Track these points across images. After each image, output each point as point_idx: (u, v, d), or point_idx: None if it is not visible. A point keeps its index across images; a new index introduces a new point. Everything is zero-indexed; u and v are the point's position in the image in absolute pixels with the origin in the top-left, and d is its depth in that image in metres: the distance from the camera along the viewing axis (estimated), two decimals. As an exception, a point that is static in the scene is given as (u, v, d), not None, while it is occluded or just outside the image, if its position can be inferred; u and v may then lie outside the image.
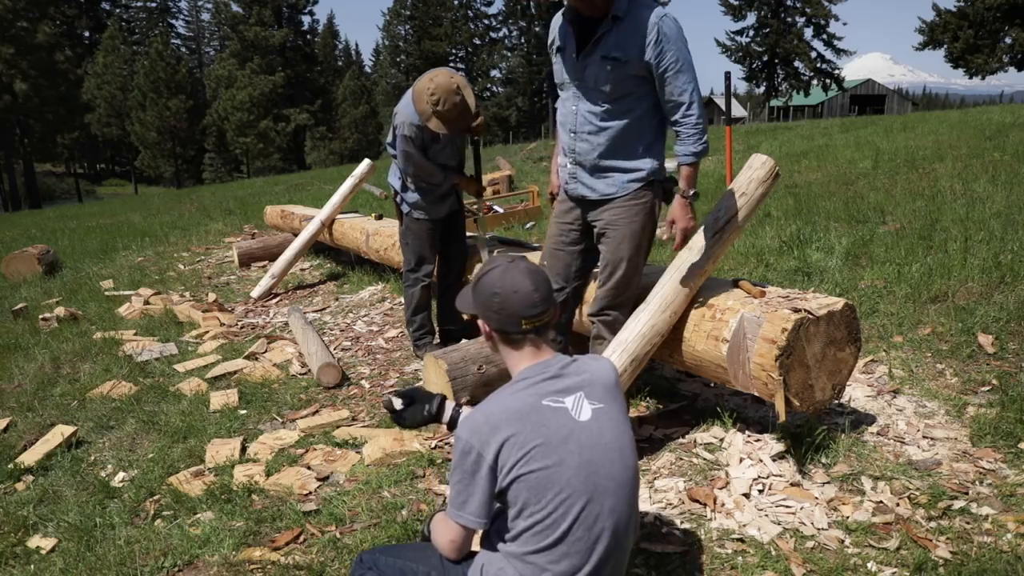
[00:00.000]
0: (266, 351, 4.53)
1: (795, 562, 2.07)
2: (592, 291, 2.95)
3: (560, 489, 1.52)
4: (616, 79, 2.54)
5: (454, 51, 51.51)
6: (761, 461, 2.57)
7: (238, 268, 7.20)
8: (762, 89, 45.06)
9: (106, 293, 6.39)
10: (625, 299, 2.80)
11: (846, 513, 2.28)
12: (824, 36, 41.69)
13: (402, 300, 5.53)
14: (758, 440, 2.70)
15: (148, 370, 4.26)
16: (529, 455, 1.52)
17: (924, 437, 2.70)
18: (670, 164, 2.87)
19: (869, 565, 2.04)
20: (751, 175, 2.74)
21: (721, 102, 34.39)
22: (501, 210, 8.09)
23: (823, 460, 2.56)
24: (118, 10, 56.61)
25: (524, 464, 1.52)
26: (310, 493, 2.73)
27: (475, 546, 1.67)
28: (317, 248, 7.21)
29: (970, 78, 33.55)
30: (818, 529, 2.22)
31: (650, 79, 2.55)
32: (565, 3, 2.61)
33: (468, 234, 4.45)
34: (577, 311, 3.13)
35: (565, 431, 1.56)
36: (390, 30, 53.32)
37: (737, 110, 51.28)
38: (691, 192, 2.60)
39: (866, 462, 2.55)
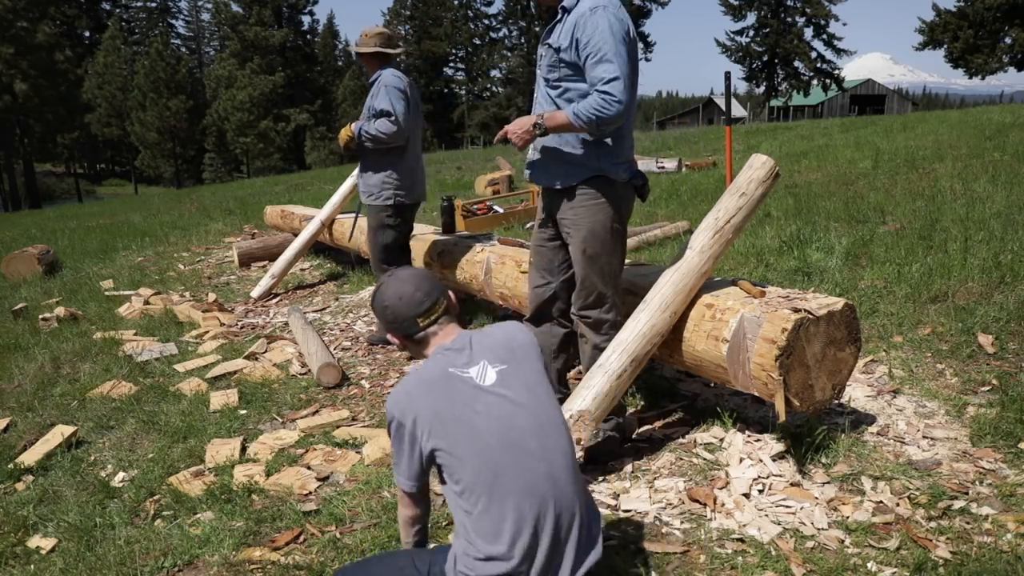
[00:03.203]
0: (266, 351, 4.53)
1: (795, 562, 2.07)
2: None
3: (477, 453, 1.64)
4: (558, 67, 2.63)
5: (454, 51, 51.53)
6: (761, 461, 2.57)
7: (238, 268, 7.20)
8: (762, 89, 45.07)
9: (106, 293, 6.39)
10: (599, 299, 2.76)
11: (846, 513, 2.28)
12: (824, 36, 41.71)
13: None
14: (758, 440, 2.70)
15: (148, 370, 4.26)
16: (443, 423, 1.65)
17: (924, 437, 2.70)
18: (643, 165, 2.88)
19: (869, 565, 2.04)
20: (751, 175, 2.74)
21: (721, 102, 34.41)
22: (501, 210, 8.09)
23: (823, 460, 2.56)
24: (118, 10, 56.63)
25: (440, 432, 1.65)
26: (310, 493, 2.73)
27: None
28: (317, 248, 7.21)
29: (970, 78, 33.56)
30: (818, 529, 2.22)
31: (582, 67, 2.57)
32: None
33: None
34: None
35: (471, 398, 1.68)
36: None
37: (737, 110, 51.32)
38: (542, 124, 2.60)
39: (866, 462, 2.55)
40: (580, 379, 2.71)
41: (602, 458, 2.75)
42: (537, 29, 47.76)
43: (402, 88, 3.98)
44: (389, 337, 1.90)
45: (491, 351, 1.77)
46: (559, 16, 2.64)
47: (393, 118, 3.95)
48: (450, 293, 1.90)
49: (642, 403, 3.25)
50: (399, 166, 4.13)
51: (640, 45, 44.37)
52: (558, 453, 1.70)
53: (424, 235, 4.96)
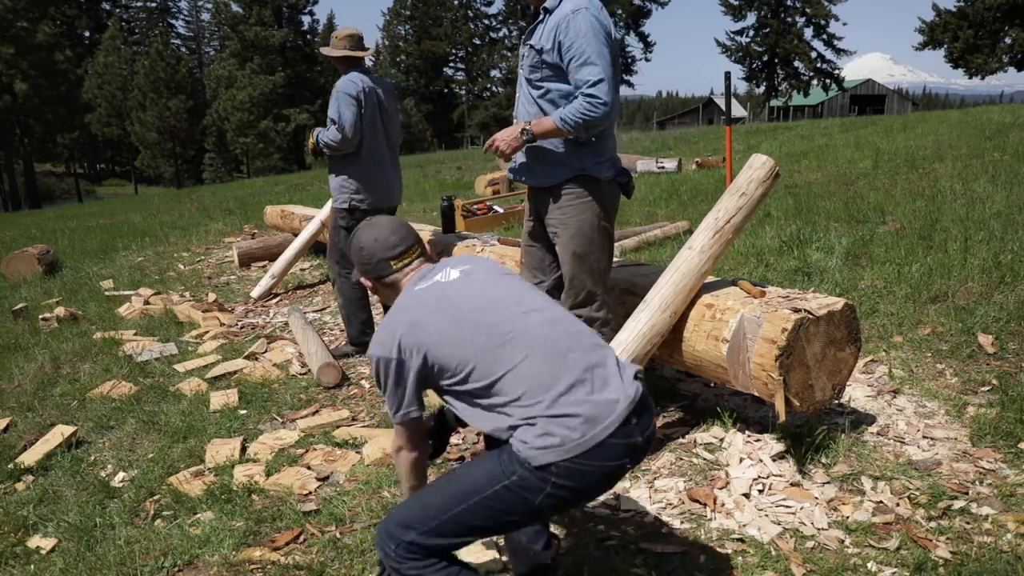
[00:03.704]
0: (266, 351, 4.53)
1: (795, 562, 2.07)
2: None
3: (459, 334, 1.64)
4: (538, 67, 2.65)
5: (454, 51, 51.49)
6: (761, 461, 2.57)
7: (238, 268, 7.20)
8: (762, 89, 45.07)
9: (106, 293, 6.39)
10: (588, 298, 2.76)
11: (846, 513, 2.28)
12: (824, 36, 41.70)
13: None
14: (758, 440, 2.70)
15: (148, 370, 4.26)
16: (423, 328, 1.66)
17: (924, 437, 2.70)
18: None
19: (869, 565, 2.04)
20: (751, 175, 2.74)
21: (721, 102, 34.41)
22: (501, 210, 8.09)
23: (823, 460, 2.56)
24: (118, 10, 56.61)
25: (422, 336, 1.66)
26: (310, 493, 2.73)
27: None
28: (317, 248, 7.21)
29: (970, 78, 33.56)
30: (818, 529, 2.22)
31: (564, 69, 2.58)
32: None
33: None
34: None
35: (440, 294, 1.72)
36: (390, 30, 53.27)
37: (737, 110, 51.32)
38: (530, 131, 2.61)
39: (866, 462, 2.55)
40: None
41: None
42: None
43: (353, 94, 3.93)
44: (362, 280, 1.93)
45: (453, 262, 1.83)
46: (541, 17, 2.66)
47: (338, 126, 3.94)
48: (426, 243, 1.88)
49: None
50: (353, 171, 4.09)
51: (640, 45, 44.51)
52: (544, 306, 1.72)
53: (421, 232, 4.96)
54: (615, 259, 3.54)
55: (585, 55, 2.47)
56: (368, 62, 4.28)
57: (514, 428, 1.57)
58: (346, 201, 4.15)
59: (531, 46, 2.67)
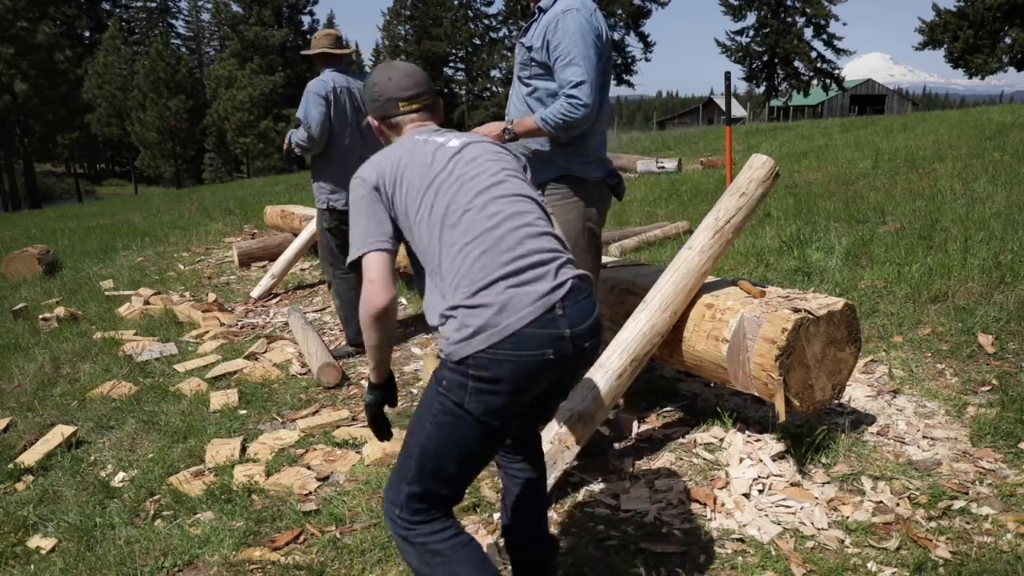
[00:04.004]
0: (266, 351, 4.53)
1: (795, 562, 2.07)
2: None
3: (426, 198, 1.66)
4: (528, 64, 2.66)
5: (454, 51, 51.49)
6: (761, 461, 2.57)
7: (238, 268, 7.20)
8: (762, 89, 45.05)
9: (106, 293, 6.39)
10: None
11: (846, 513, 2.28)
12: (824, 36, 41.69)
13: (402, 300, 5.54)
14: (758, 440, 2.70)
15: (148, 370, 4.26)
16: (405, 172, 1.69)
17: (924, 437, 2.70)
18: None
19: (869, 565, 2.04)
20: (751, 175, 2.74)
21: (721, 102, 34.41)
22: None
23: (823, 460, 2.56)
24: (118, 10, 56.61)
25: (401, 177, 1.69)
26: (310, 493, 2.73)
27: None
28: (317, 248, 7.21)
29: (970, 78, 33.57)
30: (818, 529, 2.22)
31: (552, 69, 2.59)
32: None
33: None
34: None
35: (432, 152, 1.72)
36: (390, 30, 53.27)
37: (737, 110, 51.32)
38: (511, 129, 2.62)
39: (866, 462, 2.55)
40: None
41: (593, 453, 2.77)
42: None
43: (323, 94, 3.93)
44: (369, 119, 1.93)
45: (458, 134, 1.82)
46: (536, 15, 2.67)
47: (304, 125, 3.94)
48: (440, 100, 1.94)
49: (642, 403, 3.25)
50: (328, 171, 4.10)
51: (640, 45, 44.49)
52: (514, 200, 1.69)
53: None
54: (615, 259, 3.54)
55: (570, 55, 2.47)
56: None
57: (443, 319, 1.58)
58: (324, 202, 4.18)
59: (522, 43, 2.69)
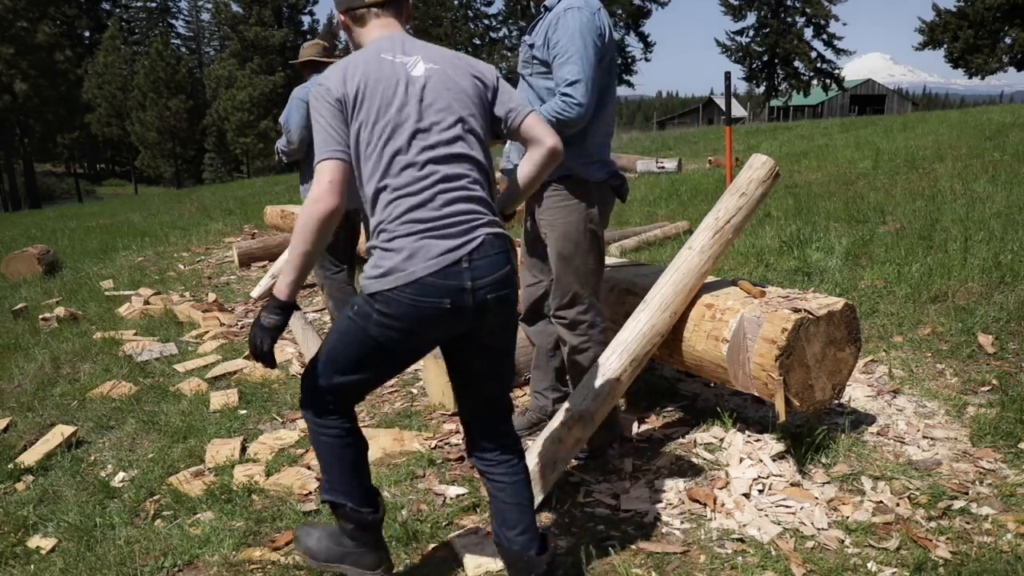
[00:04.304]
0: (266, 351, 4.52)
1: (795, 562, 2.07)
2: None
3: (393, 134, 1.73)
4: (530, 62, 2.66)
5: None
6: (761, 461, 2.57)
7: (238, 268, 7.20)
8: (762, 89, 45.07)
9: (106, 293, 6.40)
10: (573, 299, 2.73)
11: (846, 513, 2.28)
12: (824, 36, 41.71)
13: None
14: (758, 440, 2.70)
15: (148, 370, 4.26)
16: (367, 87, 1.73)
17: (924, 437, 2.70)
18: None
19: (869, 565, 2.04)
20: (751, 175, 2.74)
21: (721, 102, 34.42)
22: (501, 210, 8.10)
23: (823, 460, 2.56)
24: (118, 10, 56.60)
25: (363, 95, 1.73)
26: (310, 493, 2.73)
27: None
28: (317, 248, 7.20)
29: (970, 78, 33.58)
30: (818, 529, 2.22)
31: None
32: None
33: None
34: None
35: (397, 77, 1.76)
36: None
37: (737, 110, 51.33)
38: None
39: (866, 462, 2.55)
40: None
41: (593, 453, 2.77)
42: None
43: (305, 100, 3.97)
44: (339, 15, 1.94)
45: (427, 52, 1.84)
46: (541, 14, 2.66)
47: (285, 130, 4.03)
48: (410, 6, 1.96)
49: (642, 403, 3.25)
50: (311, 175, 4.14)
51: (640, 45, 44.50)
52: (454, 153, 1.77)
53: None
54: (615, 260, 3.54)
55: (568, 53, 2.46)
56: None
57: (370, 250, 1.75)
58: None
59: (525, 41, 2.69)
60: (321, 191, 1.67)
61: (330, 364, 1.82)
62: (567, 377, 2.99)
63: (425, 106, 1.76)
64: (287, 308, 1.77)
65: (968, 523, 2.18)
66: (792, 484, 2.45)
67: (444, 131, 1.76)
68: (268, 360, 1.80)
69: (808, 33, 41.84)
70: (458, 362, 1.92)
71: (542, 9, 2.65)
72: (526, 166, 1.93)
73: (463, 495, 2.60)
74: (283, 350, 4.46)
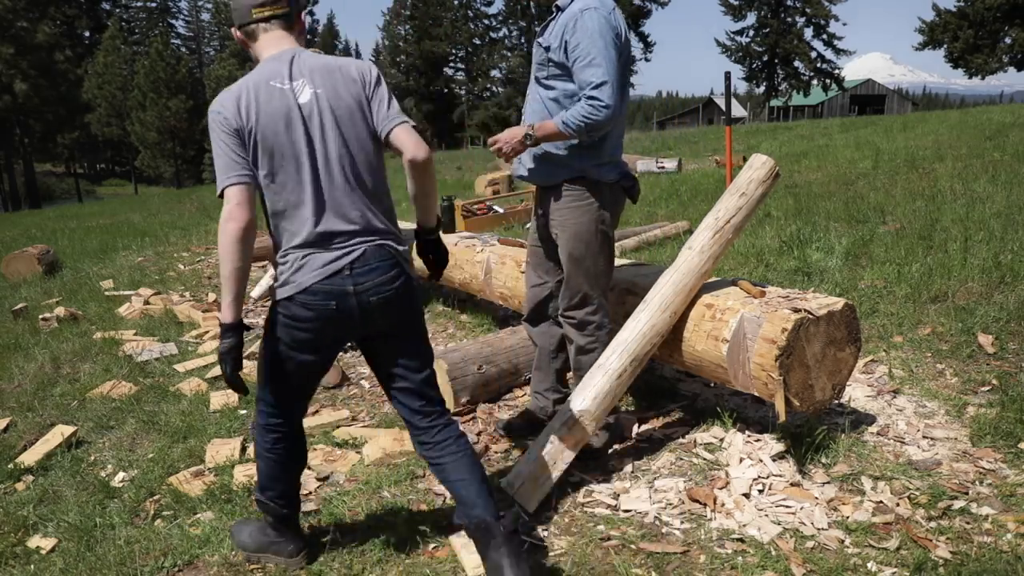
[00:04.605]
0: (266, 351, 4.53)
1: (795, 562, 2.07)
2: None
3: (283, 154, 1.89)
4: (545, 64, 2.63)
5: (454, 51, 51.50)
6: (761, 461, 2.57)
7: (238, 268, 7.20)
8: (762, 89, 45.07)
9: (106, 293, 6.39)
10: (583, 300, 2.74)
11: (846, 513, 2.28)
12: (824, 36, 41.72)
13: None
14: (758, 440, 2.70)
15: (148, 370, 4.26)
16: (259, 120, 1.87)
17: (924, 437, 2.70)
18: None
19: (869, 565, 2.04)
20: (751, 175, 2.74)
21: (721, 102, 34.42)
22: (501, 210, 8.09)
23: (823, 460, 2.56)
24: (118, 10, 56.57)
25: (256, 129, 1.88)
26: (310, 493, 2.73)
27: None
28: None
29: (970, 78, 33.58)
30: (818, 529, 2.22)
31: (570, 69, 2.56)
32: None
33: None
34: None
35: (287, 106, 1.90)
36: (390, 30, 53.28)
37: (737, 110, 51.32)
38: (533, 134, 2.56)
39: (866, 462, 2.55)
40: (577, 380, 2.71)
41: (594, 453, 2.77)
42: (537, 29, 47.73)
43: None
44: (234, 32, 2.06)
45: (312, 72, 1.94)
46: (553, 14, 2.64)
47: None
48: (299, 14, 2.06)
49: (642, 403, 3.25)
50: None
51: (640, 45, 44.50)
52: (354, 140, 1.94)
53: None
54: (615, 260, 3.53)
55: (590, 55, 2.43)
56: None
57: (281, 258, 1.97)
58: None
59: (539, 43, 2.65)
60: (231, 211, 1.85)
61: (263, 383, 2.10)
62: (568, 378, 2.99)
63: (314, 134, 1.92)
64: (234, 328, 1.96)
65: (968, 523, 2.18)
66: (792, 484, 2.45)
67: (332, 156, 1.93)
68: (234, 386, 1.98)
69: (808, 33, 41.86)
70: (378, 362, 2.14)
71: (555, 9, 2.63)
72: (407, 182, 2.03)
73: (463, 495, 2.60)
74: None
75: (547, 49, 2.59)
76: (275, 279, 1.99)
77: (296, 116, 1.89)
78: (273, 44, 1.99)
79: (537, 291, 2.95)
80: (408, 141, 1.96)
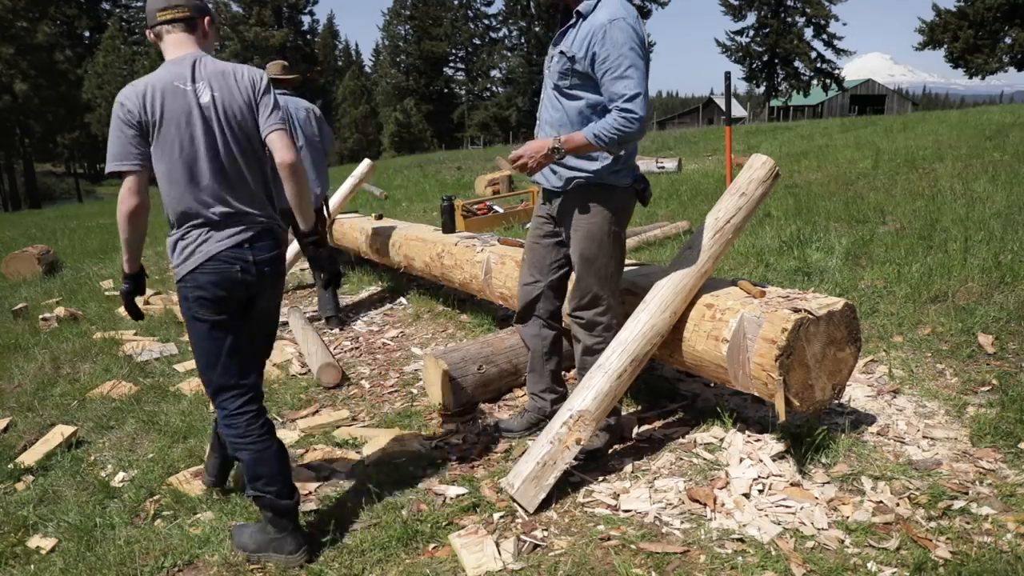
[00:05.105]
0: (266, 351, 4.52)
1: (795, 562, 2.07)
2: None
3: (183, 147, 2.16)
4: (568, 74, 2.58)
5: (454, 51, 51.53)
6: (761, 461, 2.57)
7: (238, 268, 7.20)
8: (762, 89, 45.11)
9: (106, 293, 6.40)
10: (593, 301, 2.74)
11: (846, 513, 2.28)
12: (824, 36, 41.76)
13: (402, 300, 5.54)
14: (758, 440, 2.70)
15: (148, 370, 4.26)
16: (163, 116, 2.14)
17: (924, 437, 2.70)
18: (643, 165, 2.83)
19: (869, 565, 2.04)
20: (751, 175, 2.74)
21: (721, 102, 34.41)
22: (501, 210, 8.09)
23: (823, 460, 2.56)
24: (118, 10, 56.56)
25: (160, 123, 2.14)
26: (310, 493, 2.73)
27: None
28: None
29: (970, 78, 33.58)
30: (818, 529, 2.22)
31: (596, 79, 2.52)
32: None
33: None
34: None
35: (188, 106, 2.17)
36: (390, 30, 53.28)
37: (737, 110, 51.32)
38: (561, 148, 2.53)
39: (866, 462, 2.55)
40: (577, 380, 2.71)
41: (593, 454, 2.77)
42: (537, 29, 47.75)
43: None
44: (148, 33, 2.31)
45: (214, 77, 2.21)
46: (573, 20, 2.57)
47: None
48: (208, 18, 2.32)
49: (642, 403, 3.25)
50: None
51: (640, 45, 44.53)
52: (235, 144, 2.22)
53: (419, 231, 4.96)
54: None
55: (622, 67, 2.41)
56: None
57: (171, 248, 2.26)
58: None
59: (562, 52, 2.58)
60: (124, 194, 2.16)
61: (201, 367, 2.34)
62: (565, 377, 2.99)
63: (214, 132, 2.19)
64: (130, 277, 2.41)
65: (968, 523, 2.18)
66: (792, 484, 2.45)
67: (229, 152, 2.21)
68: (131, 312, 2.48)
69: (808, 33, 41.90)
70: (247, 330, 2.35)
71: (575, 15, 2.56)
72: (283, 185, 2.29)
73: (463, 495, 2.60)
74: (283, 350, 4.47)
75: (572, 59, 2.53)
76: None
77: (197, 115, 2.17)
78: (176, 46, 2.25)
79: (529, 289, 2.95)
80: (279, 145, 2.23)
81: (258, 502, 2.30)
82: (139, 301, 2.50)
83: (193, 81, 2.18)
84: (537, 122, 2.81)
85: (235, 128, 2.21)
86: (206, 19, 2.31)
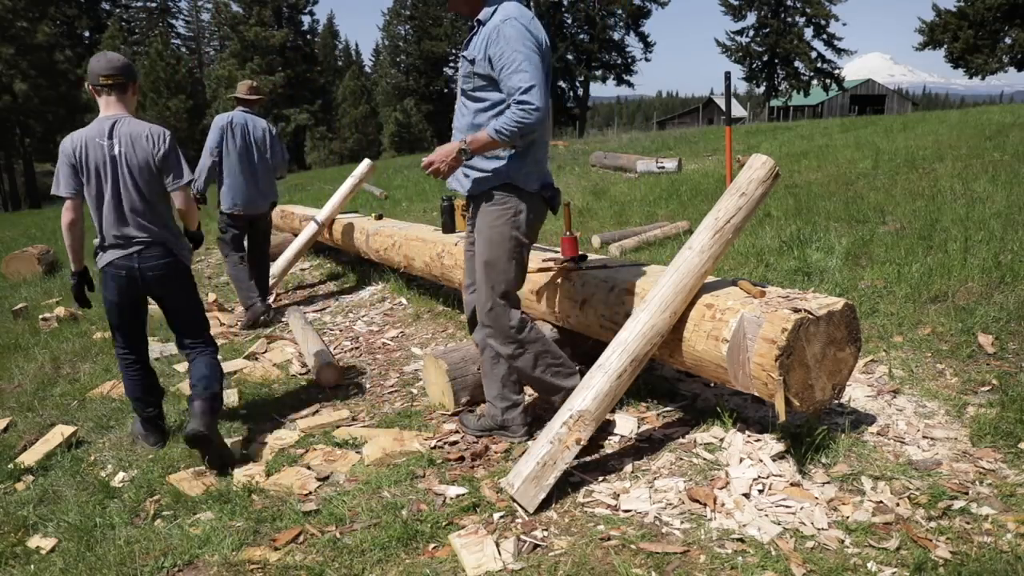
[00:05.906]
0: (266, 351, 4.53)
1: (795, 562, 2.07)
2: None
3: (99, 186, 3.01)
4: (471, 77, 2.67)
5: (454, 51, 51.49)
6: (761, 461, 2.57)
7: (238, 268, 7.18)
8: (762, 89, 45.08)
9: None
10: (491, 307, 2.77)
11: (846, 513, 2.28)
12: (824, 36, 41.73)
13: (402, 300, 5.54)
14: (758, 440, 2.70)
15: (148, 370, 4.25)
16: (87, 163, 2.98)
17: (924, 437, 2.70)
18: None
19: (869, 565, 2.04)
20: (751, 175, 2.74)
21: (721, 102, 34.42)
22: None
23: (823, 460, 2.56)
24: (118, 10, 56.51)
25: (84, 167, 2.98)
26: (310, 493, 2.73)
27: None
28: (317, 248, 7.21)
29: (970, 78, 33.57)
30: (818, 529, 2.22)
31: (496, 79, 2.59)
32: None
33: None
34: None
35: (104, 158, 2.99)
36: (390, 30, 53.28)
37: (737, 110, 51.31)
38: (467, 148, 2.60)
39: (866, 462, 2.55)
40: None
41: (593, 453, 2.77)
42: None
43: (221, 125, 5.21)
44: (86, 85, 3.06)
45: (125, 136, 3.00)
46: (475, 28, 2.69)
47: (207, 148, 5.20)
48: (135, 83, 3.11)
49: (642, 403, 3.25)
50: (223, 182, 5.23)
51: (640, 45, 44.43)
52: (134, 188, 3.04)
53: (419, 230, 4.96)
54: (615, 259, 3.54)
55: (516, 63, 2.49)
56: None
57: (99, 247, 3.10)
58: (219, 205, 5.26)
59: (464, 57, 2.71)
60: (64, 212, 3.00)
61: (109, 320, 3.23)
62: (516, 383, 2.99)
63: (120, 178, 3.00)
64: (76, 274, 3.18)
65: (968, 523, 2.18)
66: (792, 484, 2.45)
67: (127, 193, 3.01)
68: (79, 302, 3.24)
69: (808, 33, 41.87)
70: (165, 312, 3.27)
71: (475, 24, 2.69)
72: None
73: (463, 495, 2.60)
74: (283, 350, 4.47)
75: (472, 62, 2.63)
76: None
77: (108, 164, 2.98)
78: (108, 106, 3.04)
79: (470, 298, 3.06)
80: (178, 200, 3.14)
81: (133, 407, 3.32)
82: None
83: (109, 138, 2.98)
84: (452, 130, 2.86)
85: (135, 176, 3.01)
86: (135, 84, 3.11)
